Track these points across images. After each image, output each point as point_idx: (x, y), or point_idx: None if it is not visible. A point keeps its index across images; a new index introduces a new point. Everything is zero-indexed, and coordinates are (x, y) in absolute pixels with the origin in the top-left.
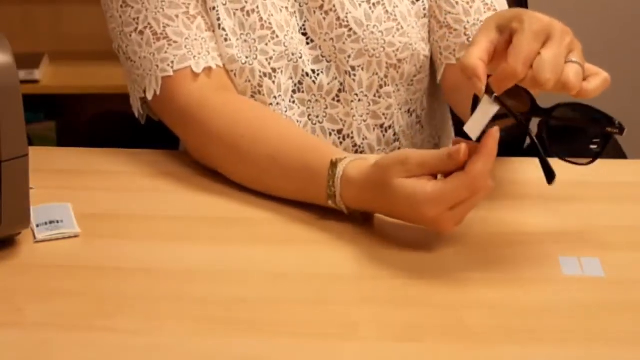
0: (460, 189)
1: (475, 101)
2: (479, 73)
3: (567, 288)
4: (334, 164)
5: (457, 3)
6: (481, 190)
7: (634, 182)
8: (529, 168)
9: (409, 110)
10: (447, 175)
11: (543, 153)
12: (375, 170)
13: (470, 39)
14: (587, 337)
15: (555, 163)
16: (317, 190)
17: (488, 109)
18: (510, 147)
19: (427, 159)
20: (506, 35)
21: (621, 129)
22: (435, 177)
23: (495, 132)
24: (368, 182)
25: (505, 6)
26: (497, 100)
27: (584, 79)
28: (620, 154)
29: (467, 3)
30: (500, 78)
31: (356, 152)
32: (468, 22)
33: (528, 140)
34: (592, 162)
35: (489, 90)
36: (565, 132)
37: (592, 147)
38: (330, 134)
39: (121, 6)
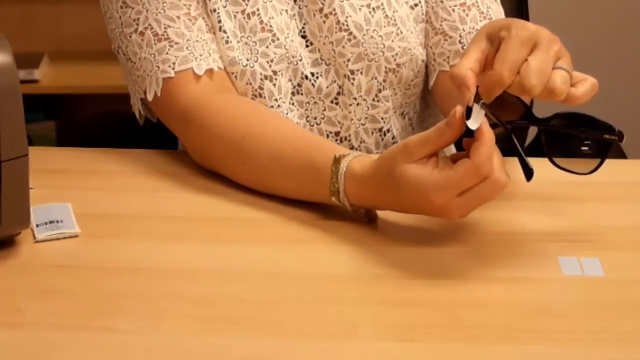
0: (467, 175)
1: (470, 111)
2: (467, 82)
3: (567, 288)
4: (337, 160)
5: (453, 11)
6: (488, 177)
7: (634, 182)
8: None
9: (402, 114)
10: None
11: (522, 152)
12: (380, 163)
13: (465, 47)
14: (587, 337)
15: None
16: (321, 187)
17: (480, 117)
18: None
19: (428, 135)
20: (496, 45)
21: (621, 137)
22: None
23: (485, 120)
24: (373, 176)
25: (502, 15)
26: (484, 106)
27: (572, 86)
28: (620, 154)
29: (464, 11)
30: (488, 85)
31: None
32: (464, 30)
33: (528, 142)
34: (593, 172)
35: (478, 99)
36: (566, 137)
37: (592, 153)
38: (328, 136)
39: (121, 7)
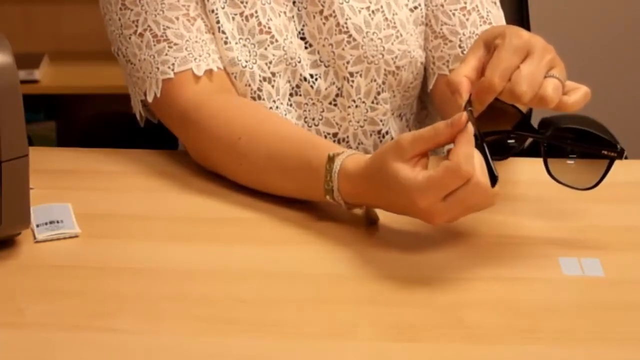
0: (448, 174)
1: None
2: (460, 89)
3: (567, 288)
4: (331, 159)
5: (453, 14)
6: (470, 179)
7: (634, 182)
8: (529, 169)
9: (399, 115)
10: None
11: (490, 157)
12: (373, 161)
13: (465, 52)
14: (587, 337)
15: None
16: (316, 186)
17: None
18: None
19: (421, 133)
20: (492, 52)
21: (620, 154)
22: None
23: (463, 117)
24: (366, 175)
25: (501, 19)
26: (470, 114)
27: (565, 94)
28: None
29: (464, 15)
30: (479, 91)
31: None
32: (464, 35)
33: (527, 142)
34: (592, 188)
35: (468, 106)
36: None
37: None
38: (326, 138)
39: (120, 9)
